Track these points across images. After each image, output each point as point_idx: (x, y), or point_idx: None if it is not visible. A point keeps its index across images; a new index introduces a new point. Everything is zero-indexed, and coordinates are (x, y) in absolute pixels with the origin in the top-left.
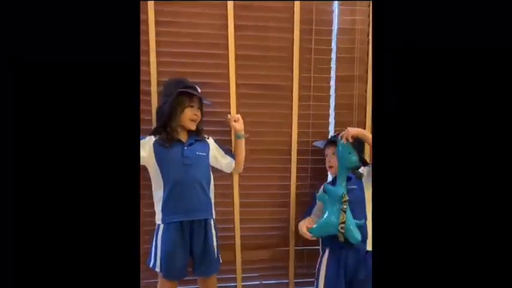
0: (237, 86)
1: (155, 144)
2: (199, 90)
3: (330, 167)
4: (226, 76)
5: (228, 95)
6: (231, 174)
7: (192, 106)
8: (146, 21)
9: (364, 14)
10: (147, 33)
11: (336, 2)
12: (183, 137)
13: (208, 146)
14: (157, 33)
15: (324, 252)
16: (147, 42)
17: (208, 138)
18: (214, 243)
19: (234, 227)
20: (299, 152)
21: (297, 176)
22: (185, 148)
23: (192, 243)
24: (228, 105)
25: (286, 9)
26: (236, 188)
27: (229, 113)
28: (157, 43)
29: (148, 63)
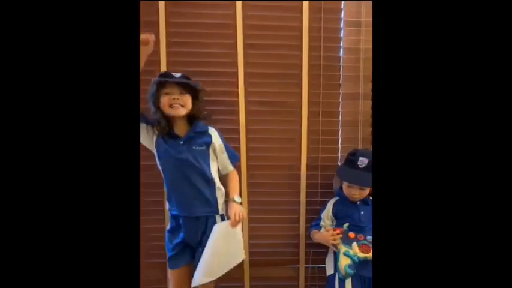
0: (246, 103)
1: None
2: (176, 76)
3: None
4: (236, 94)
5: (237, 112)
6: (240, 192)
7: (166, 93)
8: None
9: (368, 35)
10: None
11: (342, 21)
12: (182, 129)
13: (211, 139)
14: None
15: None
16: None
17: (212, 131)
18: None
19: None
20: (308, 168)
21: (306, 192)
22: (181, 143)
23: (192, 238)
24: (237, 122)
25: (294, 28)
26: (245, 204)
27: (239, 130)
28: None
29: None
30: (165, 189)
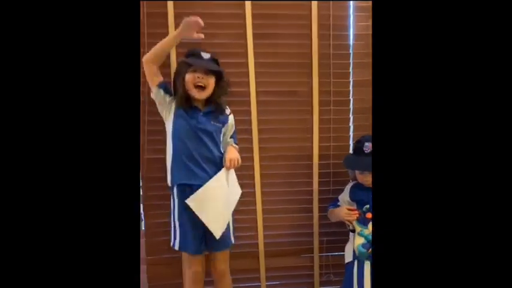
0: (257, 93)
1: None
2: (205, 57)
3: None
4: (246, 84)
5: (247, 103)
6: (253, 182)
7: (194, 71)
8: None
9: None
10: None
11: (352, 6)
12: (200, 104)
13: (227, 120)
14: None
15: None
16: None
17: (230, 114)
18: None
19: (257, 234)
20: (321, 157)
21: (319, 181)
22: (201, 114)
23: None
24: (249, 113)
25: (303, 16)
26: (259, 194)
27: (250, 121)
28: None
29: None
30: (170, 162)
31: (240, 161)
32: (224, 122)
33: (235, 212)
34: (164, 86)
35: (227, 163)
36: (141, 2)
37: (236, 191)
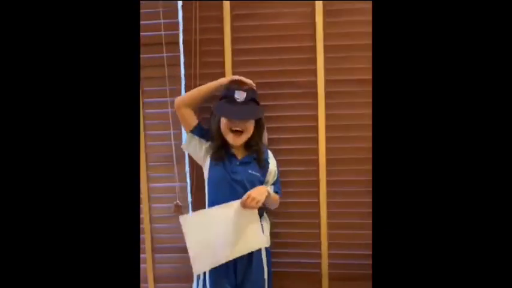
0: (326, 83)
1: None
2: (240, 98)
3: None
4: (313, 72)
5: (314, 95)
6: (317, 190)
7: None
8: (221, 19)
9: None
10: (221, 31)
11: None
12: (238, 150)
13: (268, 165)
14: (234, 30)
15: None
16: (221, 41)
17: (270, 158)
18: (265, 276)
19: (320, 253)
20: None
21: None
22: (237, 164)
23: (236, 275)
24: (315, 107)
25: None
26: (323, 206)
27: (316, 116)
28: (233, 40)
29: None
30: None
31: (258, 204)
32: (265, 170)
33: (293, 225)
34: (199, 130)
35: (244, 197)
36: (193, 3)
37: (255, 239)
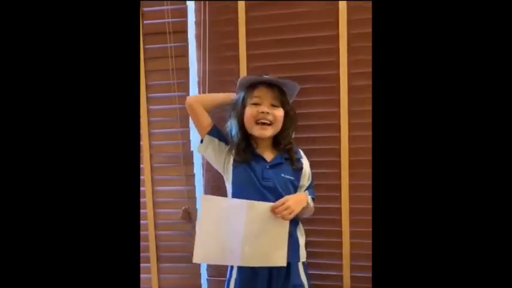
0: (349, 76)
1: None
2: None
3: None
4: (335, 65)
5: (336, 90)
6: (339, 195)
7: (255, 104)
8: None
9: None
10: (236, 22)
11: None
12: (266, 149)
13: (302, 166)
14: (248, 21)
15: None
16: (235, 33)
17: (302, 158)
18: None
19: (341, 263)
20: None
21: None
22: (267, 167)
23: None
24: (337, 103)
25: None
26: (345, 212)
27: (339, 112)
28: (248, 32)
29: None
30: None
31: (291, 215)
32: (299, 173)
33: (312, 233)
34: (217, 131)
35: (279, 202)
36: (202, 3)
37: (275, 253)
